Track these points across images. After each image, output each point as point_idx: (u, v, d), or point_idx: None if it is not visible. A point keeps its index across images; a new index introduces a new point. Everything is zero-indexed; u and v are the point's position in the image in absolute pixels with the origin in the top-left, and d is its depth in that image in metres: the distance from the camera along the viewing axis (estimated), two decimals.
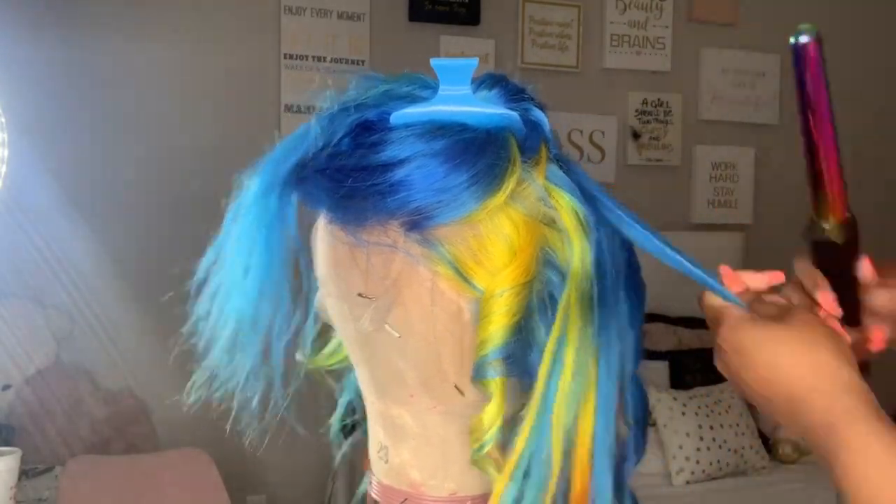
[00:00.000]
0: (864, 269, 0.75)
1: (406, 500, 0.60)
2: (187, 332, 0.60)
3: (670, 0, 3.36)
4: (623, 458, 0.59)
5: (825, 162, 0.68)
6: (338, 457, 0.67)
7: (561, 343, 0.54)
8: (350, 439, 0.71)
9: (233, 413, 0.62)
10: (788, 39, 0.70)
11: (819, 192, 0.69)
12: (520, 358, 0.55)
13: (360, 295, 0.57)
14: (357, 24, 2.94)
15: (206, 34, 2.77)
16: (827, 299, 0.71)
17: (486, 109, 0.57)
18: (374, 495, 0.63)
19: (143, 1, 2.70)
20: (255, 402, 0.62)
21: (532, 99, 0.61)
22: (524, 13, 3.16)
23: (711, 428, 2.75)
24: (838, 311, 0.71)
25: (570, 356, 0.54)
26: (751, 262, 3.42)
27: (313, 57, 2.89)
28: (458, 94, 0.57)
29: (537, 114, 0.60)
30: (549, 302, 0.55)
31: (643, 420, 0.61)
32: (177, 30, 2.74)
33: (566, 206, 0.56)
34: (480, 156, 0.54)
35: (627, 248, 0.60)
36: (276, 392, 0.63)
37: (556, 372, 0.54)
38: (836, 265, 0.72)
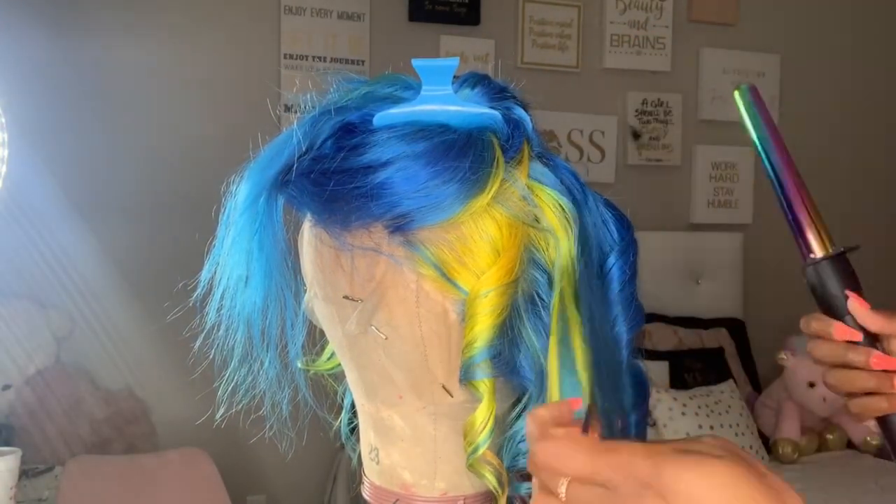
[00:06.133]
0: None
1: (398, 500, 0.60)
2: (201, 347, 0.60)
3: (670, 0, 3.36)
4: None
5: (802, 198, 0.74)
6: (354, 457, 0.67)
7: (565, 339, 0.54)
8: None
9: (241, 415, 0.62)
10: (735, 93, 0.77)
11: (806, 230, 0.74)
12: (508, 358, 0.55)
13: (345, 297, 0.57)
14: (357, 24, 2.94)
15: (206, 34, 2.77)
16: (842, 328, 0.72)
17: (468, 109, 0.57)
18: (366, 496, 0.63)
19: (143, 1, 2.70)
20: (284, 408, 0.63)
21: (514, 97, 0.61)
22: (524, 13, 3.16)
23: (711, 428, 2.75)
24: (859, 336, 0.72)
25: (578, 351, 0.54)
26: (750, 262, 3.42)
27: (313, 57, 2.89)
28: (440, 94, 0.57)
29: (519, 112, 0.60)
30: (536, 301, 0.55)
31: (642, 407, 0.60)
32: (177, 30, 2.74)
33: (550, 203, 0.56)
34: (462, 157, 0.54)
35: (628, 252, 0.59)
36: (302, 395, 0.64)
37: (566, 371, 0.54)
38: (844, 283, 0.74)
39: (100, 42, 2.64)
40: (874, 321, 0.73)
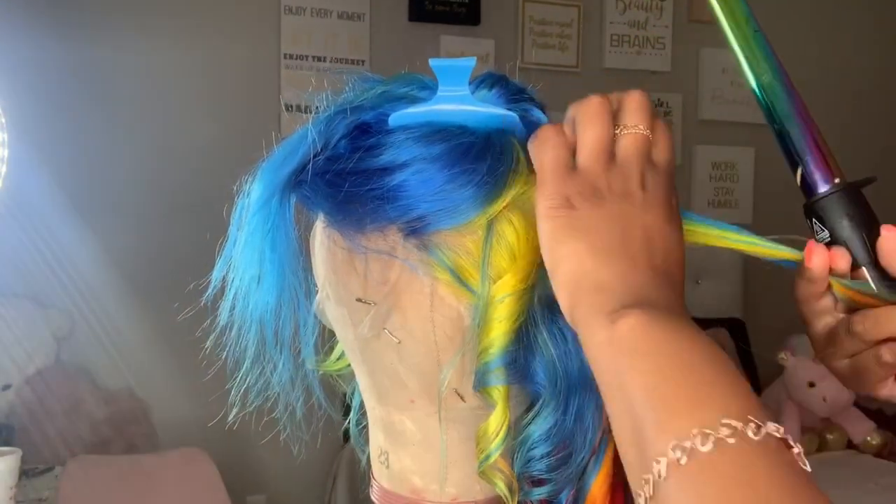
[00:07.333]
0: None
1: None
2: (207, 347, 0.59)
3: (670, 0, 3.36)
4: None
5: (809, 126, 0.62)
6: (363, 459, 0.66)
7: None
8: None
9: (242, 415, 0.62)
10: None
11: (811, 160, 0.61)
12: (522, 365, 0.54)
13: (358, 300, 0.56)
14: (357, 24, 2.94)
15: (206, 34, 2.77)
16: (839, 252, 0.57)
17: (485, 109, 0.56)
18: (374, 499, 0.62)
19: (143, 1, 2.70)
20: (298, 411, 0.62)
21: (532, 99, 0.60)
22: (524, 13, 3.16)
23: None
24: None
25: None
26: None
27: (313, 57, 2.89)
28: (456, 94, 0.56)
29: (537, 114, 0.59)
30: (552, 307, 0.54)
31: None
32: (177, 30, 2.74)
33: None
34: (480, 161, 0.53)
35: None
36: (318, 397, 0.63)
37: None
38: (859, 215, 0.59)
39: (100, 42, 2.63)
40: None
